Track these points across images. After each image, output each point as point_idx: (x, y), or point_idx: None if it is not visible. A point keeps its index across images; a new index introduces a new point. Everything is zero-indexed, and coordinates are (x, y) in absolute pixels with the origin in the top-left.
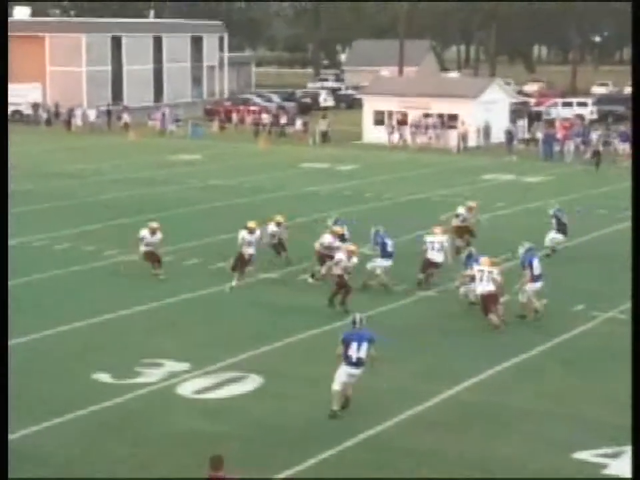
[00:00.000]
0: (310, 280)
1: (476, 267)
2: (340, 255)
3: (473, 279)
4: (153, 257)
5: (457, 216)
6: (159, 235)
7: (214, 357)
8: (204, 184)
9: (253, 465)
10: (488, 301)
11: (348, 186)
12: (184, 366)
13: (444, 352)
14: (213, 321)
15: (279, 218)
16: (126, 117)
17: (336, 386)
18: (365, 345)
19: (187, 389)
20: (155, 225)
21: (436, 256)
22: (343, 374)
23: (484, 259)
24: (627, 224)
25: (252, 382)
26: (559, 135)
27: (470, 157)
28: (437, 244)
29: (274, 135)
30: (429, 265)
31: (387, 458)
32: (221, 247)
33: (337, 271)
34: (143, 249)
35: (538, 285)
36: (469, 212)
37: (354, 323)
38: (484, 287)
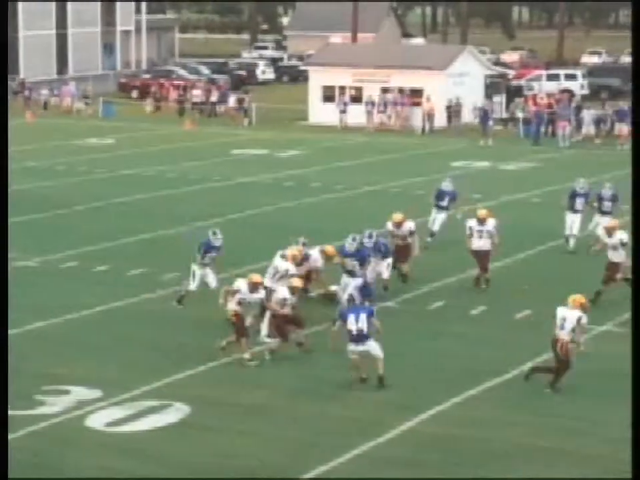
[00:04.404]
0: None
1: None
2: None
3: None
4: None
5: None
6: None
7: (131, 383)
8: (116, 174)
9: None
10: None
11: (290, 175)
12: (95, 393)
13: (410, 375)
14: (130, 339)
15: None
16: (27, 94)
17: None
18: (362, 316)
19: (98, 420)
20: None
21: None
22: (350, 352)
23: None
24: (626, 219)
25: (176, 412)
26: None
27: (437, 139)
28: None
29: (202, 114)
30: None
31: None
32: (136, 250)
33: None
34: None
35: None
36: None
37: (350, 301)
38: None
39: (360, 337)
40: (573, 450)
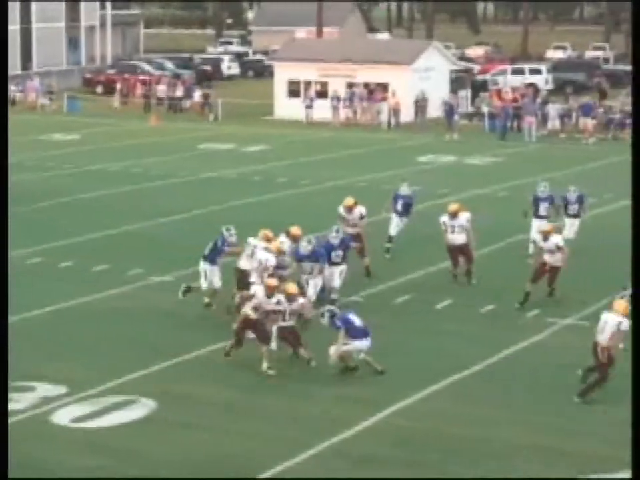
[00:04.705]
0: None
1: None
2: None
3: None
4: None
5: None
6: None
7: (96, 379)
8: (81, 169)
9: None
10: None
11: (257, 170)
12: (60, 389)
13: (370, 372)
14: (95, 335)
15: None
16: None
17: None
18: (353, 314)
19: (64, 416)
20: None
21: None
22: (354, 350)
23: None
24: (594, 212)
25: (142, 408)
26: (500, 106)
27: (403, 134)
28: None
29: (168, 109)
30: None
31: None
32: (101, 246)
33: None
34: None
35: None
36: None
37: (334, 315)
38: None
39: (367, 331)
40: (539, 443)
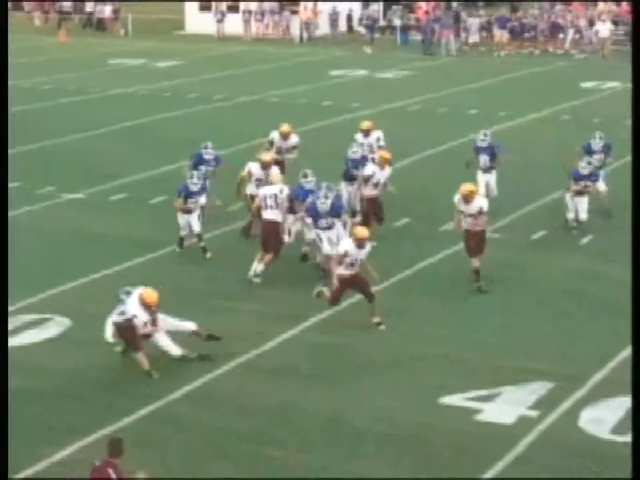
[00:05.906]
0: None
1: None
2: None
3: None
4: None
5: (271, 144)
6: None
7: (9, 297)
8: None
9: (60, 425)
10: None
11: (168, 86)
12: None
13: (285, 286)
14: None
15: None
16: None
17: None
18: None
19: None
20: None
21: None
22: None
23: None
24: (506, 125)
25: (56, 326)
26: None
27: (315, 48)
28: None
29: (77, 25)
30: None
31: (222, 415)
32: (13, 163)
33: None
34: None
35: None
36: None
37: None
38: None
39: None
40: (448, 356)
